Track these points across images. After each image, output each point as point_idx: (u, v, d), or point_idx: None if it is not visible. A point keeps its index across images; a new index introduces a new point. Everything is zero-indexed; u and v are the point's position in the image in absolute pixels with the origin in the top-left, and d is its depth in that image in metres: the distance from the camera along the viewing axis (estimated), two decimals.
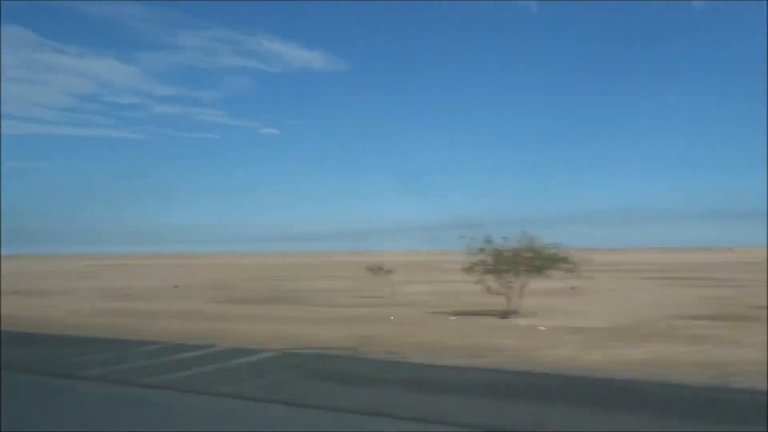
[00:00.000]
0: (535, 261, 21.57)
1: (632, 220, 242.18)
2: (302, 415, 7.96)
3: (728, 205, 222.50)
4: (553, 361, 11.39)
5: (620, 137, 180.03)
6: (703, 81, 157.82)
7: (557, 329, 16.45)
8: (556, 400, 8.42)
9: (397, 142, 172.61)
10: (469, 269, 22.25)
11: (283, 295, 31.78)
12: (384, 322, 18.51)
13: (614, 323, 17.74)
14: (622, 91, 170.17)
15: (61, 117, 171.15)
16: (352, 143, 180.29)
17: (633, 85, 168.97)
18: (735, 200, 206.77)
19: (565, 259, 21.75)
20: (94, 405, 8.85)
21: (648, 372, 10.28)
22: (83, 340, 15.38)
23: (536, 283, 22.34)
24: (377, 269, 31.74)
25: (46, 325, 18.43)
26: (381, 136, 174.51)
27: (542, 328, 16.95)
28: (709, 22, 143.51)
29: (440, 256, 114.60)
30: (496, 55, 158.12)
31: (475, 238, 22.03)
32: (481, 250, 22.01)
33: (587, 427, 7.21)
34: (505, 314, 20.51)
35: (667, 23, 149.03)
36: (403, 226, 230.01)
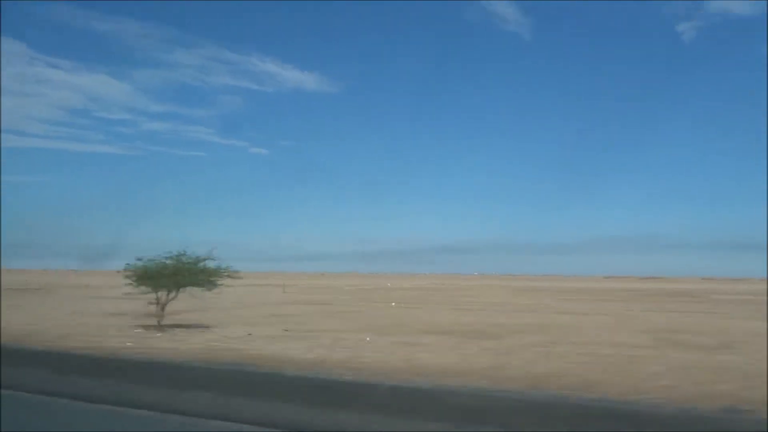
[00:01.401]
0: (179, 276, 24.52)
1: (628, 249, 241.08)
2: None
3: (725, 236, 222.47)
4: None
5: (620, 165, 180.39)
6: (704, 111, 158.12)
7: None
8: None
9: (387, 165, 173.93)
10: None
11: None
12: None
13: None
14: (620, 122, 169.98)
15: (52, 131, 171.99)
16: (342, 166, 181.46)
17: (633, 115, 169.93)
18: (733, 232, 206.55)
19: (209, 274, 25.12)
20: None
21: None
22: None
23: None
24: None
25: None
26: (371, 160, 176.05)
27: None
28: (708, 52, 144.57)
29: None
30: (490, 81, 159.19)
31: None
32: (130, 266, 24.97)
33: None
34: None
35: (667, 54, 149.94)
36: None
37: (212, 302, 30.14)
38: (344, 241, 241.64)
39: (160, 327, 23.95)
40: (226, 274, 25.43)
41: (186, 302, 26.47)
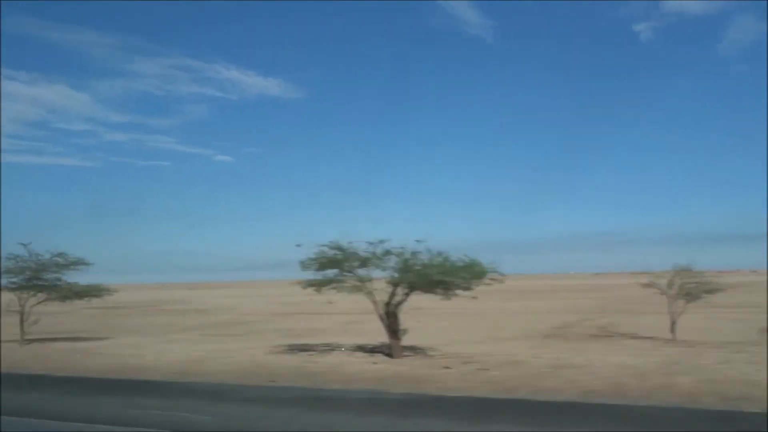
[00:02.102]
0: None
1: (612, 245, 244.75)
2: None
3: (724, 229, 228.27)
4: None
5: (608, 163, 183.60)
6: (663, 109, 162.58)
7: None
8: None
9: (354, 170, 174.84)
10: None
11: None
12: None
13: None
14: (607, 116, 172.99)
15: (9, 145, 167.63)
16: (309, 171, 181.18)
17: (597, 114, 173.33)
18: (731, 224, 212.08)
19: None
20: None
21: None
22: None
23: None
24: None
25: None
26: (337, 165, 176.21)
27: None
28: (694, 48, 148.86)
29: None
30: (458, 85, 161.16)
31: None
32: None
33: None
34: None
35: (652, 48, 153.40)
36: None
37: None
38: (311, 248, 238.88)
39: None
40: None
41: None
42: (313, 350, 18.70)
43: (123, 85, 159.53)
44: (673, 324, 22.13)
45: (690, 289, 22.23)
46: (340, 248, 16.97)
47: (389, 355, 16.94)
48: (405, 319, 17.69)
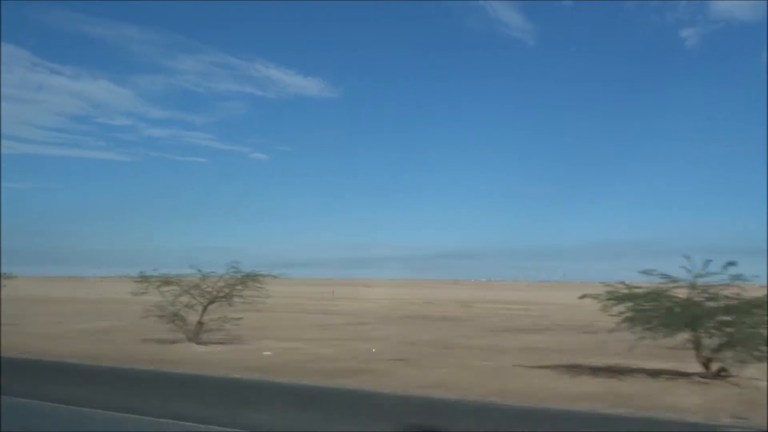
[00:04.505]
0: None
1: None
2: None
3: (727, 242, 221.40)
4: None
5: (621, 173, 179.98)
6: (706, 117, 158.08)
7: None
8: None
9: (387, 172, 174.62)
10: None
11: None
12: None
13: None
14: (622, 127, 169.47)
15: (52, 137, 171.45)
16: (342, 171, 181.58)
17: (637, 121, 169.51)
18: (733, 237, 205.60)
19: None
20: None
21: None
22: None
23: None
24: None
25: None
26: (372, 167, 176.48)
27: None
28: (706, 61, 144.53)
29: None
30: (491, 90, 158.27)
31: None
32: None
33: None
34: None
35: (670, 59, 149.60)
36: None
37: None
38: (338, 247, 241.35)
39: None
40: None
41: None
42: None
43: (164, 81, 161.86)
44: None
45: None
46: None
47: None
48: None
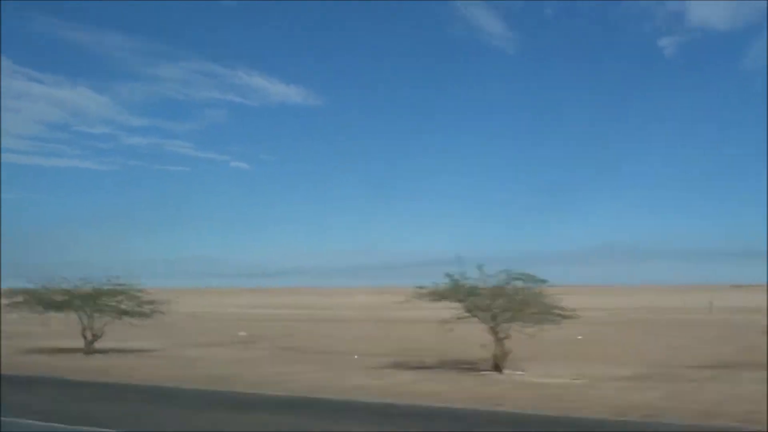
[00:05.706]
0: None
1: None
2: None
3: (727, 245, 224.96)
4: None
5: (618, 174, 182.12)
6: (685, 123, 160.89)
7: None
8: None
9: (370, 179, 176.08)
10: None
11: None
12: None
13: None
14: (616, 128, 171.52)
15: (29, 146, 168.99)
16: (324, 180, 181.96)
17: (628, 124, 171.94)
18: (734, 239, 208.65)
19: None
20: None
21: None
22: None
23: None
24: None
25: None
26: (354, 175, 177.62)
27: None
28: (684, 69, 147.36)
29: None
30: (476, 96, 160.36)
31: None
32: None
33: None
34: None
35: (643, 69, 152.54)
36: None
37: None
38: (321, 255, 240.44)
39: None
40: None
41: None
42: None
43: (144, 88, 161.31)
44: None
45: None
46: None
47: None
48: None
